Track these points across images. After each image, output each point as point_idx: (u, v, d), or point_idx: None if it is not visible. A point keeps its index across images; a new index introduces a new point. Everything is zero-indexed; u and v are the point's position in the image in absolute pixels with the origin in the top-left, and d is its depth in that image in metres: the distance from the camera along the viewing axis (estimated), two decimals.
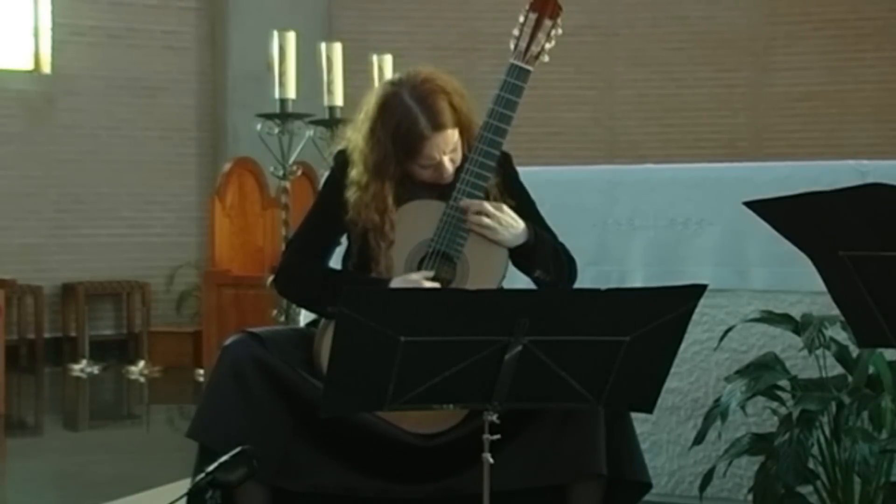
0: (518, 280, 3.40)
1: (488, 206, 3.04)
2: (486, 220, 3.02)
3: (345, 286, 2.53)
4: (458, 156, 3.09)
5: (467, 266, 3.05)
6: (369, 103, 3.11)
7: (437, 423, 2.97)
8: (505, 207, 3.07)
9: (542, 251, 3.11)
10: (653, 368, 2.58)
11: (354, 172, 3.11)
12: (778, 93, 11.15)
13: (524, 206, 3.16)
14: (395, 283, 3.01)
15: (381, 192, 3.07)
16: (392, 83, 3.12)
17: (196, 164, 11.04)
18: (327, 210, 3.19)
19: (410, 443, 2.97)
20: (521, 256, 3.11)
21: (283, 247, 5.90)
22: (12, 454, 6.42)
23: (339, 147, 3.23)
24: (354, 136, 3.14)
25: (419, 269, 3.04)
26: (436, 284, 3.01)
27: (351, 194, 3.11)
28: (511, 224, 3.06)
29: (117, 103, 10.70)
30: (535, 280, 3.14)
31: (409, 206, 3.10)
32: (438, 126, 3.03)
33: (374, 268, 3.08)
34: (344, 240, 3.23)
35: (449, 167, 3.09)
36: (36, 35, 10.59)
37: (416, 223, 3.07)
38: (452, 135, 3.06)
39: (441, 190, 3.11)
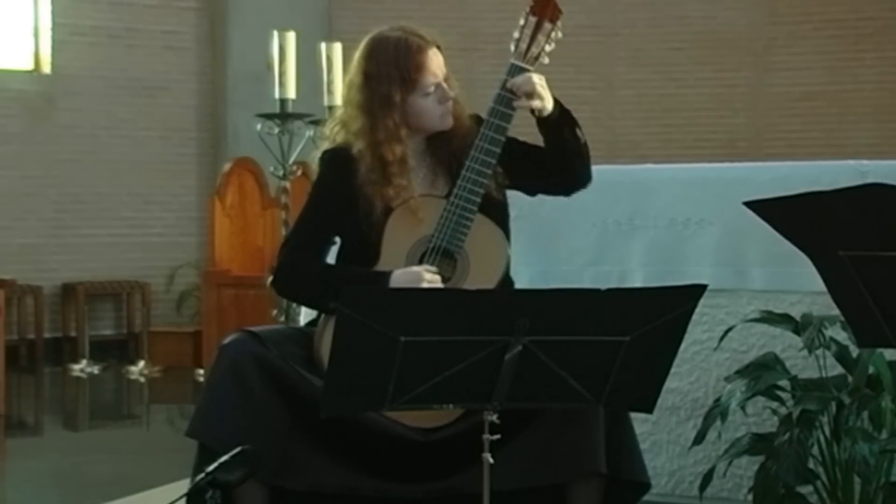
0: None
1: (535, 78, 3.04)
2: (539, 89, 3.03)
3: (345, 283, 2.53)
4: (451, 90, 3.12)
5: (468, 262, 3.05)
6: (351, 69, 3.16)
7: (438, 419, 2.97)
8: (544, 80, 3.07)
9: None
10: (653, 368, 2.58)
11: (356, 125, 3.12)
12: (778, 93, 11.15)
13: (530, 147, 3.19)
14: (397, 275, 3.01)
15: (393, 125, 3.08)
16: (369, 35, 3.19)
17: (196, 164, 11.04)
18: (321, 207, 3.18)
19: (410, 438, 2.97)
20: (561, 119, 3.09)
21: None
22: (12, 454, 6.43)
23: (323, 148, 3.23)
24: (340, 114, 3.18)
25: (420, 264, 3.05)
26: (437, 277, 3.01)
27: (359, 145, 3.10)
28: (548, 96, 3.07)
29: (117, 103, 10.70)
30: (577, 145, 3.11)
31: (408, 203, 3.10)
32: (429, 42, 3.12)
33: (392, 199, 3.06)
34: (338, 240, 3.23)
35: (450, 94, 3.11)
36: (36, 35, 10.59)
37: (416, 220, 3.07)
38: (441, 58, 3.13)
39: (442, 168, 3.15)
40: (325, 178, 3.19)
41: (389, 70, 3.08)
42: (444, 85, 3.12)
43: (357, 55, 3.17)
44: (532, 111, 3.06)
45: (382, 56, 3.10)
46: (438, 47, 3.15)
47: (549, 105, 3.07)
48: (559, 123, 3.10)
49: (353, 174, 3.12)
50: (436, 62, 3.12)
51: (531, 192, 3.28)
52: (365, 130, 3.10)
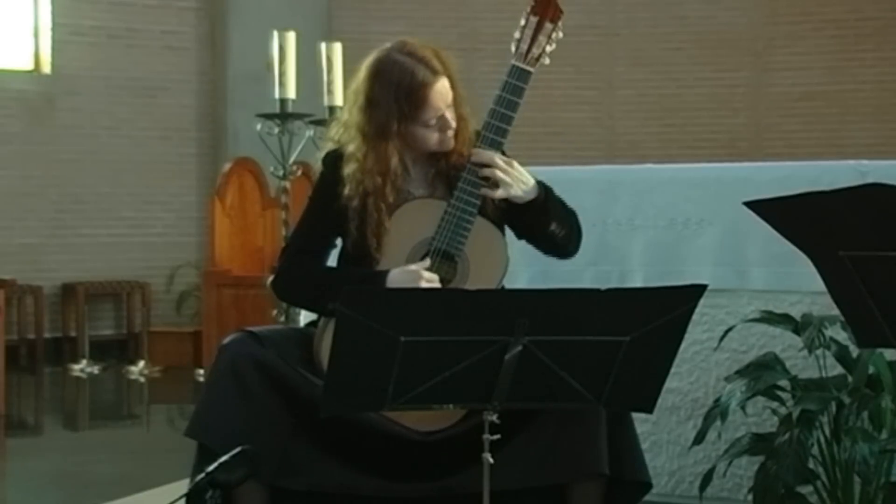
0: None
1: (499, 160, 3.03)
2: (500, 174, 3.02)
3: (345, 284, 2.53)
4: (454, 116, 3.09)
5: (468, 264, 3.05)
6: (358, 79, 3.10)
7: (438, 421, 2.97)
8: (515, 164, 3.07)
9: (555, 204, 3.11)
10: (653, 368, 2.58)
11: (352, 147, 3.09)
12: (778, 93, 11.15)
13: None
14: (394, 274, 3.01)
15: (385, 154, 3.05)
16: (378, 51, 3.12)
17: (196, 164, 11.04)
18: (322, 211, 3.18)
19: (410, 439, 2.97)
20: (534, 212, 3.09)
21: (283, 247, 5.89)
22: (12, 454, 6.42)
23: (326, 149, 3.22)
24: (345, 119, 3.13)
25: None
26: (434, 276, 3.01)
27: (349, 169, 3.08)
28: (522, 179, 3.06)
29: (117, 103, 10.70)
30: (548, 235, 3.12)
31: (409, 205, 3.10)
32: (436, 72, 3.04)
33: (370, 238, 3.06)
34: (339, 242, 3.23)
35: (452, 123, 3.08)
36: (36, 35, 10.59)
37: (416, 222, 3.07)
38: (448, 86, 3.06)
39: (441, 179, 3.13)
40: (326, 181, 3.18)
41: (389, 102, 3.03)
42: (448, 115, 3.07)
43: (363, 70, 3.10)
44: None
45: (386, 83, 3.03)
46: (449, 74, 3.07)
47: (518, 193, 3.04)
48: (537, 215, 3.09)
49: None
50: (440, 95, 3.04)
51: (518, 236, 3.23)
52: (359, 156, 3.07)
